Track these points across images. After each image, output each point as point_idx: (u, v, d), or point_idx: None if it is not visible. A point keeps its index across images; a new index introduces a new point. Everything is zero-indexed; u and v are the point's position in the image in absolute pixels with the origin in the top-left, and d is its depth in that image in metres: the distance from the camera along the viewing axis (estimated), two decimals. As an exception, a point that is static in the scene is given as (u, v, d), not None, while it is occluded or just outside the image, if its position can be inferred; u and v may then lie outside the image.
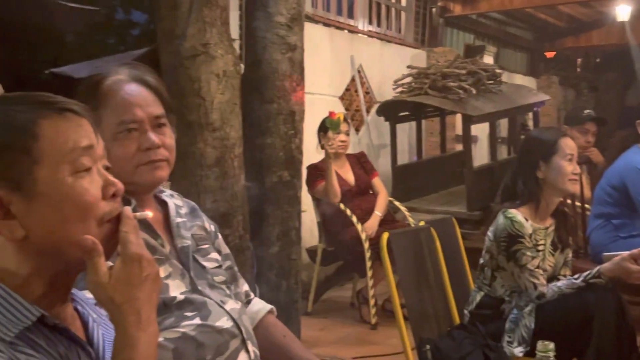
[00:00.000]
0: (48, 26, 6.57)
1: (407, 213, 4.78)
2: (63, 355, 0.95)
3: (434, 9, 8.14)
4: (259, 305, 1.72)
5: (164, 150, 1.47)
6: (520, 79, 9.58)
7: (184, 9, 2.86)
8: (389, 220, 4.57)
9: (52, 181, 0.92)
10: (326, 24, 6.34)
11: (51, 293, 0.96)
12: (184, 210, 1.61)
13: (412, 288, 2.71)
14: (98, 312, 1.10)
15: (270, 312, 1.73)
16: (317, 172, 4.42)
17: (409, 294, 2.69)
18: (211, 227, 1.67)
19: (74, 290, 1.04)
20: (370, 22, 7.23)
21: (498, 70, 6.21)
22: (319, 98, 5.74)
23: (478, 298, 2.73)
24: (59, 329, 0.96)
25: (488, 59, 9.11)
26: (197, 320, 1.41)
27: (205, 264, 1.56)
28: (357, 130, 6.49)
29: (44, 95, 0.96)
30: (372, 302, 4.23)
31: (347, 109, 6.32)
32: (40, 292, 0.95)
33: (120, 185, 1.00)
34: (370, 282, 4.23)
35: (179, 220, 1.56)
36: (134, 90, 1.46)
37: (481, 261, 2.75)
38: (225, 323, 1.45)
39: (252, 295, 1.74)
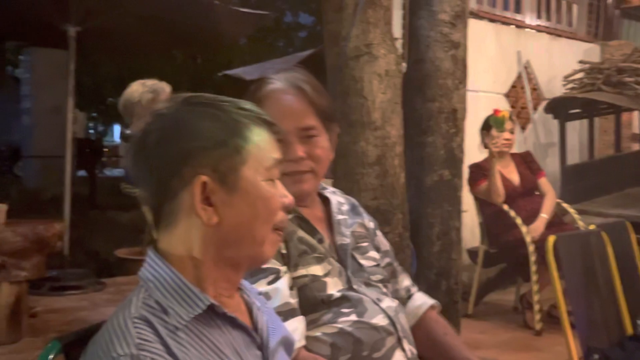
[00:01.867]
0: (222, 31, 6.95)
1: (576, 216, 4.55)
2: (228, 343, 1.01)
3: (609, 0, 7.66)
4: (421, 300, 1.70)
5: (310, 162, 1.48)
6: None
7: (349, 11, 2.92)
8: (557, 222, 4.37)
9: (252, 182, 1.02)
10: (491, 20, 6.18)
11: (222, 282, 1.04)
12: (345, 207, 1.63)
13: (580, 295, 2.58)
14: (261, 300, 1.17)
15: (432, 307, 1.69)
16: (480, 171, 4.33)
17: (576, 301, 2.56)
18: (370, 224, 1.68)
19: (242, 281, 1.12)
20: (538, 16, 6.94)
21: (682, 64, 5.72)
22: (483, 95, 5.61)
23: (653, 308, 2.55)
24: (228, 317, 1.02)
25: (671, 52, 8.41)
26: (354, 317, 1.43)
27: (363, 262, 1.56)
28: (523, 128, 6.27)
29: (249, 103, 1.06)
30: (536, 307, 4.07)
31: (512, 107, 6.13)
32: (212, 280, 1.02)
33: (292, 199, 1.08)
34: (535, 287, 4.08)
35: (339, 217, 1.58)
36: (286, 100, 1.47)
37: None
38: (381, 321, 1.46)
39: (413, 289, 1.72)
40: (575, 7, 7.51)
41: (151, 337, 0.93)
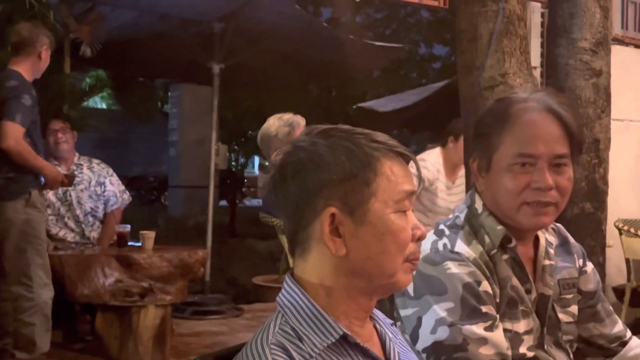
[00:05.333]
0: (357, 64, 7.08)
1: None
2: None
3: None
4: (637, 350, 1.52)
5: (556, 193, 1.35)
6: None
7: (484, 41, 2.90)
8: None
9: (381, 215, 1.02)
10: (638, 46, 5.87)
11: (354, 311, 1.05)
12: (555, 246, 1.49)
13: None
14: (394, 331, 1.17)
15: None
16: None
17: None
18: (580, 261, 1.53)
19: (374, 310, 1.12)
20: (690, 40, 6.50)
21: None
22: (630, 125, 5.32)
23: None
24: (360, 347, 1.03)
25: None
26: None
27: (562, 316, 1.45)
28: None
29: (384, 135, 1.07)
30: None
31: (662, 136, 5.75)
32: (345, 309, 1.03)
33: (424, 231, 1.07)
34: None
35: (546, 262, 1.44)
36: (541, 122, 1.36)
37: None
38: None
39: (626, 336, 1.54)
40: None
41: (286, 363, 0.95)
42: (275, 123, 3.80)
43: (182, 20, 5.65)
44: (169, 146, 11.54)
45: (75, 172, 4.16)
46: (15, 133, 3.29)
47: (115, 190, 4.42)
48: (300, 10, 5.70)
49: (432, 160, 4.06)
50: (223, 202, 11.63)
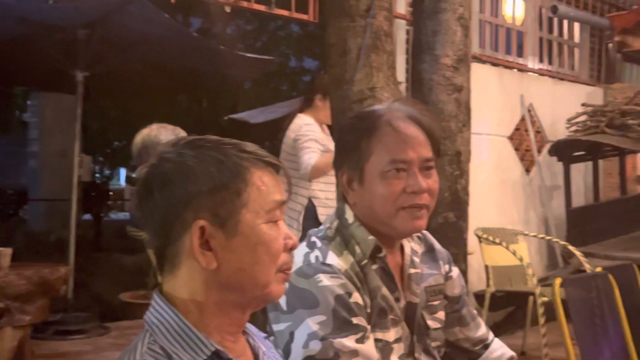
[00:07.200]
0: (228, 75, 7.04)
1: (582, 259, 4.52)
2: None
3: (610, 44, 7.73)
4: (500, 351, 1.58)
5: (428, 196, 1.40)
6: None
7: (353, 55, 2.96)
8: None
9: (253, 225, 1.01)
10: (494, 64, 6.24)
11: (227, 326, 1.03)
12: (420, 254, 1.53)
13: (588, 339, 2.55)
14: (268, 345, 1.16)
15: (510, 359, 1.58)
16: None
17: (584, 345, 2.53)
18: (446, 266, 1.58)
19: (247, 324, 1.10)
20: (541, 60, 7.01)
21: (684, 106, 5.75)
22: (487, 138, 5.64)
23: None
24: None
25: (674, 94, 8.45)
26: None
27: (430, 323, 1.48)
28: (528, 171, 6.28)
29: (254, 145, 1.06)
30: (544, 351, 4.02)
31: (516, 149, 6.14)
32: (217, 324, 1.01)
33: (296, 240, 1.07)
34: (543, 330, 4.03)
35: (412, 271, 1.47)
36: (408, 129, 1.40)
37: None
38: None
39: (489, 339, 1.60)
40: (577, 51, 7.59)
41: (156, 384, 0.92)
42: (161, 131, 3.68)
43: (43, 26, 5.36)
44: (28, 157, 10.93)
45: None
46: None
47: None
48: (169, 18, 5.58)
49: (308, 121, 3.91)
50: (87, 216, 11.15)
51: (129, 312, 5.39)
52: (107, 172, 22.30)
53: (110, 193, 15.91)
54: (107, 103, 10.55)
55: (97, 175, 20.45)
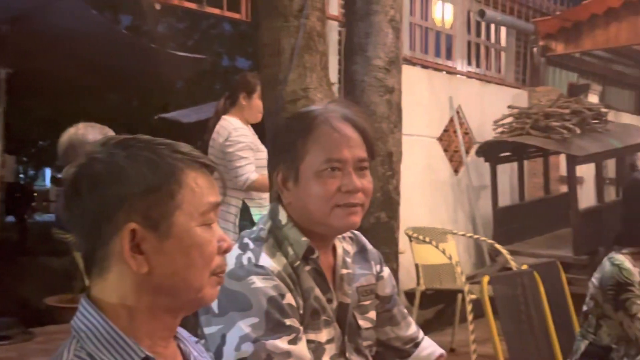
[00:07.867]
0: (159, 74, 6.92)
1: (509, 256, 4.65)
2: None
3: (535, 49, 8.00)
4: (430, 349, 1.61)
5: (362, 195, 1.42)
6: (628, 118, 9.20)
7: (286, 55, 2.95)
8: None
9: (187, 228, 0.98)
10: (424, 66, 6.36)
11: (158, 331, 1.01)
12: (352, 254, 1.55)
13: (515, 334, 2.62)
14: (199, 350, 1.14)
15: (440, 356, 1.62)
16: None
17: (511, 341, 2.60)
18: (377, 267, 1.60)
19: (178, 329, 1.08)
20: (469, 63, 7.18)
21: (604, 109, 6.02)
22: (417, 139, 5.73)
23: (582, 347, 2.60)
24: None
25: (593, 98, 8.81)
26: None
27: (362, 323, 1.49)
28: (456, 171, 6.42)
29: (188, 146, 1.03)
30: (472, 347, 4.12)
31: (445, 150, 6.27)
32: (148, 329, 0.99)
33: (230, 243, 1.05)
34: (471, 327, 4.13)
35: (344, 271, 1.48)
36: (343, 129, 1.42)
37: (585, 308, 2.63)
38: None
39: (419, 337, 1.63)
40: (503, 55, 7.82)
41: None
42: (88, 130, 3.56)
43: (-39, 21, 5.15)
44: (-54, 157, 10.47)
45: None
46: None
47: None
48: (98, 15, 5.46)
49: (237, 124, 3.82)
50: (10, 218, 10.77)
51: (55, 317, 5.23)
52: (31, 172, 21.60)
53: (35, 194, 15.40)
54: (32, 101, 10.19)
55: (21, 175, 19.79)
